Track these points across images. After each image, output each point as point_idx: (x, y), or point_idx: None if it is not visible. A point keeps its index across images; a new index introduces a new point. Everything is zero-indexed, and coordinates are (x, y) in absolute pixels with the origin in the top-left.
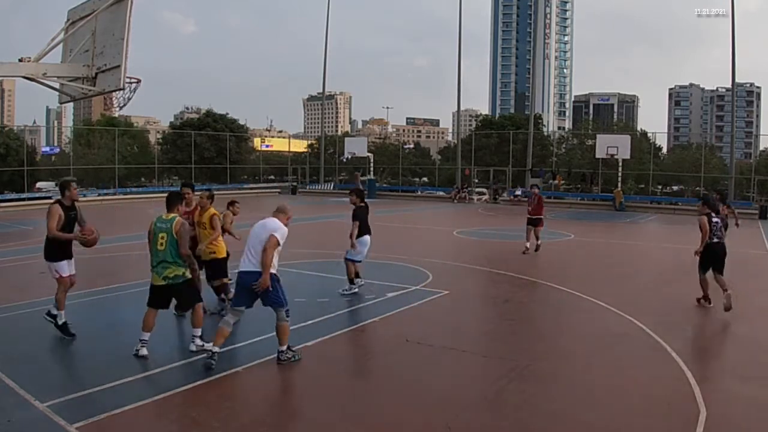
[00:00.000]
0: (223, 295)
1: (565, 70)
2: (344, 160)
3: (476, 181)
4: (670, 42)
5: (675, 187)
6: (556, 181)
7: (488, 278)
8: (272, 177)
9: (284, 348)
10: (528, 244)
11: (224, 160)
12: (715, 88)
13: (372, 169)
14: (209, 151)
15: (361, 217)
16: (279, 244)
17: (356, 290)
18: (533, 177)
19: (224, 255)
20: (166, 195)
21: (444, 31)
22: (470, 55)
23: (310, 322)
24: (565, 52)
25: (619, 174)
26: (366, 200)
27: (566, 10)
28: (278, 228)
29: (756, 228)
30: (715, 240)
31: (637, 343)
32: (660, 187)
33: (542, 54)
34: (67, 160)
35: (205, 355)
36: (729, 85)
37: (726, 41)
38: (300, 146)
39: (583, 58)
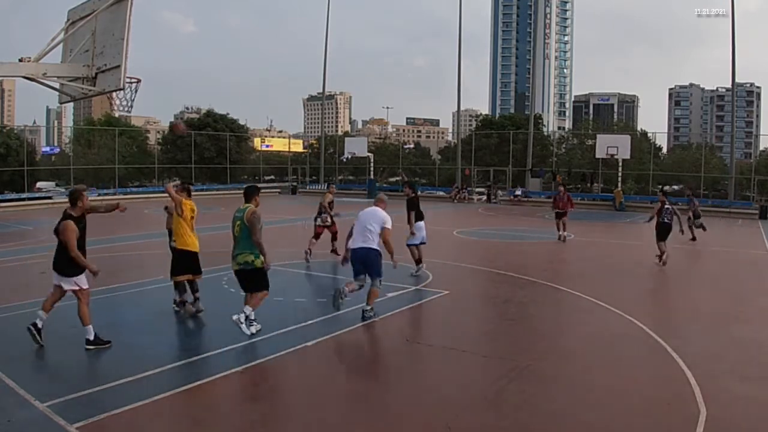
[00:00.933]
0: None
1: (565, 70)
2: (344, 160)
3: (476, 180)
4: (670, 42)
5: (676, 187)
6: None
7: (488, 278)
8: (272, 177)
9: (369, 307)
10: (560, 233)
11: (224, 160)
12: (715, 88)
13: (372, 169)
14: (209, 151)
15: (414, 206)
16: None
17: (420, 273)
18: (533, 177)
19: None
20: (247, 185)
21: (444, 31)
22: (470, 55)
23: (310, 322)
24: (565, 52)
25: (619, 174)
26: (416, 191)
27: (566, 10)
28: (387, 219)
29: (756, 228)
30: (666, 221)
31: (637, 343)
32: (660, 186)
33: (542, 54)
34: (67, 160)
35: (243, 326)
36: (729, 85)
37: (726, 41)
38: (297, 146)
39: (583, 58)
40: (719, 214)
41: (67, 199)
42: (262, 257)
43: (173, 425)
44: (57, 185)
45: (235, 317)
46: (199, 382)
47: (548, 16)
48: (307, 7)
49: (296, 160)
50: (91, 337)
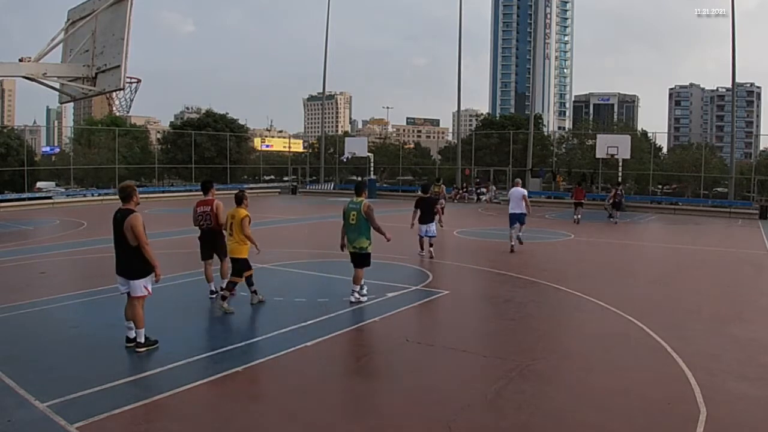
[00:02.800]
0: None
1: (565, 70)
2: (344, 160)
3: (478, 179)
4: (670, 42)
5: (675, 186)
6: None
7: (488, 278)
8: (272, 177)
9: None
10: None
11: (224, 160)
12: (715, 88)
13: (372, 169)
14: (209, 151)
15: (418, 205)
16: (525, 197)
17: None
18: (533, 177)
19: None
20: (356, 182)
21: (444, 30)
22: (470, 55)
23: (310, 322)
24: (565, 52)
25: (619, 174)
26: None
27: (566, 10)
28: (525, 192)
29: (756, 228)
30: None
31: (637, 343)
32: (660, 186)
33: (542, 54)
34: (67, 160)
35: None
36: (729, 85)
37: (726, 41)
38: (297, 146)
39: (583, 58)
40: (719, 214)
41: (118, 196)
42: (370, 243)
43: (173, 425)
44: (57, 185)
45: (352, 299)
46: (199, 382)
47: (548, 16)
48: (307, 7)
49: (296, 160)
50: (143, 340)
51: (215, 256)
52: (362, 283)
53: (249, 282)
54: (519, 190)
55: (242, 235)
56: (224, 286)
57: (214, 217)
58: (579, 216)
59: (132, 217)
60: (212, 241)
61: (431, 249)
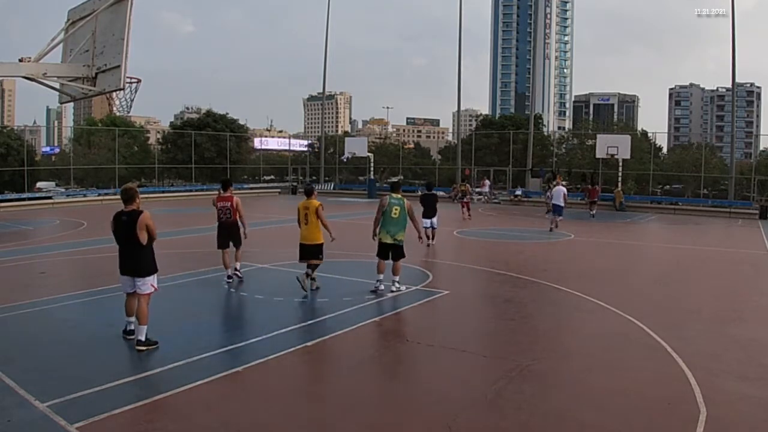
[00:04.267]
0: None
1: (565, 70)
2: (344, 159)
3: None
4: (670, 42)
5: (676, 186)
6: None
7: (488, 278)
8: (272, 177)
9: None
10: (592, 212)
11: (224, 160)
12: (715, 88)
13: (372, 169)
14: (209, 151)
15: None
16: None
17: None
18: (533, 177)
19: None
20: (393, 181)
21: (444, 31)
22: (470, 55)
23: (310, 322)
24: (565, 52)
25: (619, 174)
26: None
27: (566, 10)
28: (565, 190)
29: (756, 228)
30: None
31: (637, 343)
32: (660, 186)
33: (542, 54)
34: (67, 160)
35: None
36: (729, 85)
37: (726, 41)
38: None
39: (583, 58)
40: (719, 213)
41: (121, 198)
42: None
43: (173, 425)
44: (57, 185)
45: (394, 288)
46: (199, 382)
47: (548, 16)
48: (306, 6)
49: (296, 160)
50: (143, 338)
51: (231, 245)
52: (398, 276)
53: (312, 268)
54: (561, 189)
55: (319, 222)
56: (307, 271)
57: (233, 212)
58: (594, 212)
59: (145, 216)
60: (230, 232)
61: (432, 241)
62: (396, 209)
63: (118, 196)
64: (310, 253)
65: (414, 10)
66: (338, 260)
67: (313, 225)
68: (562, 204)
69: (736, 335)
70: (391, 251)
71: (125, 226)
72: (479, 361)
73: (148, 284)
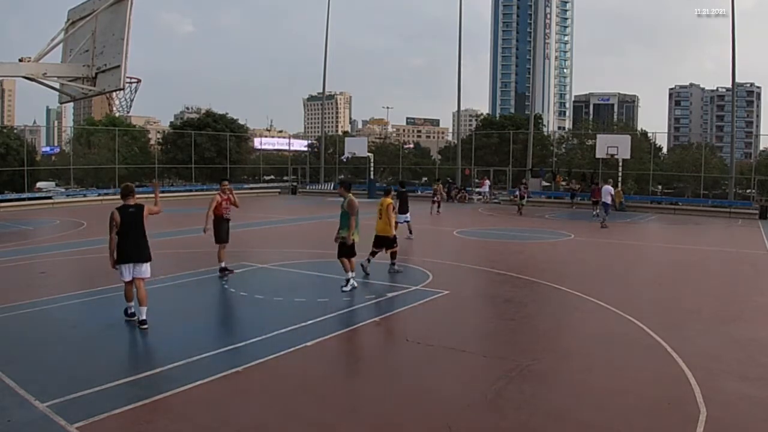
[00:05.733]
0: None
1: (565, 70)
2: (344, 160)
3: (476, 180)
4: (670, 42)
5: (675, 186)
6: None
7: (488, 278)
8: (272, 177)
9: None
10: (594, 212)
11: (224, 160)
12: (715, 88)
13: (372, 169)
14: (209, 151)
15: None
16: (612, 194)
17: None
18: (533, 177)
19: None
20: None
21: (444, 31)
22: (470, 55)
23: (310, 322)
24: (565, 52)
25: (619, 174)
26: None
27: (566, 10)
28: (612, 189)
29: (756, 228)
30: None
31: (637, 343)
32: (660, 186)
33: (542, 54)
34: (67, 160)
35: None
36: (729, 85)
37: (725, 41)
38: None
39: (583, 58)
40: (719, 213)
41: (121, 193)
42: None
43: (173, 425)
44: (57, 185)
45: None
46: (199, 382)
47: (548, 16)
48: (306, 7)
49: (296, 160)
50: (145, 317)
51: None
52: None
53: (393, 256)
54: (608, 188)
55: (389, 217)
56: (391, 261)
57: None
58: (597, 212)
59: (148, 207)
60: (228, 227)
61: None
62: (342, 209)
63: (119, 196)
64: (386, 242)
65: (414, 10)
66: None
67: (385, 219)
68: (610, 202)
69: (736, 335)
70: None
71: (133, 216)
72: (479, 361)
73: (149, 269)
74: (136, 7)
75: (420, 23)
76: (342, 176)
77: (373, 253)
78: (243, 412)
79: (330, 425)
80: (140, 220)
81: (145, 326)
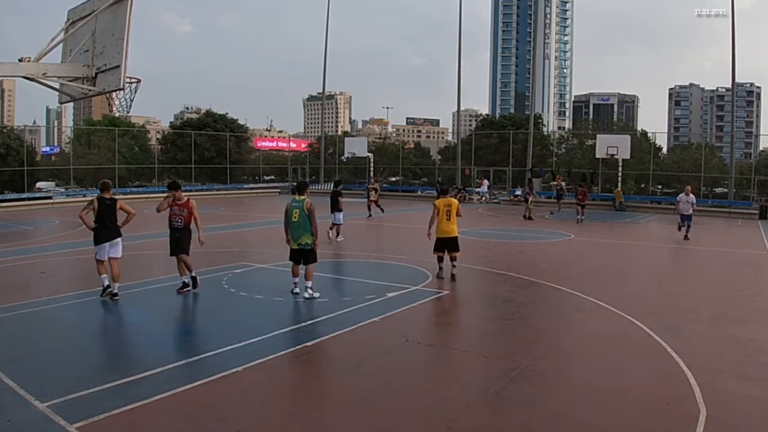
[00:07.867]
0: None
1: (565, 70)
2: (344, 160)
3: (477, 180)
4: (670, 42)
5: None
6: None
7: (488, 278)
8: (272, 177)
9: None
10: (578, 217)
11: (224, 160)
12: (715, 88)
13: (372, 169)
14: (209, 151)
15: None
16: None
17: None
18: (533, 177)
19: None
20: (296, 183)
21: (444, 31)
22: (470, 55)
23: (310, 322)
24: (565, 52)
25: (619, 174)
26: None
27: (566, 10)
28: (694, 199)
29: (756, 228)
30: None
31: (637, 343)
32: (660, 186)
33: (542, 54)
34: (67, 160)
35: (313, 297)
36: (729, 85)
37: (725, 41)
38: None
39: (583, 58)
40: (719, 214)
41: (101, 188)
42: (314, 239)
43: (173, 425)
44: (57, 185)
45: (306, 294)
46: (199, 382)
47: (548, 16)
48: (306, 7)
49: (296, 160)
50: (116, 291)
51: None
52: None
53: (454, 258)
54: (689, 197)
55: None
56: (452, 263)
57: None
58: (582, 217)
59: (121, 202)
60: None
61: (337, 235)
62: (296, 212)
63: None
64: (453, 243)
65: (414, 10)
66: (338, 260)
67: (453, 220)
68: (689, 213)
69: (736, 335)
70: (302, 256)
71: (109, 208)
72: (479, 361)
73: (121, 246)
74: (136, 7)
75: (420, 23)
76: (302, 179)
77: (440, 259)
78: (243, 412)
79: (330, 425)
80: (113, 212)
81: (117, 297)
